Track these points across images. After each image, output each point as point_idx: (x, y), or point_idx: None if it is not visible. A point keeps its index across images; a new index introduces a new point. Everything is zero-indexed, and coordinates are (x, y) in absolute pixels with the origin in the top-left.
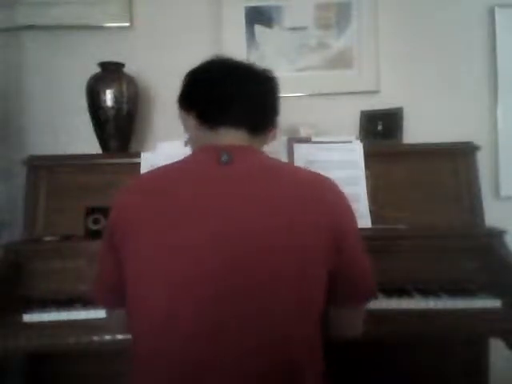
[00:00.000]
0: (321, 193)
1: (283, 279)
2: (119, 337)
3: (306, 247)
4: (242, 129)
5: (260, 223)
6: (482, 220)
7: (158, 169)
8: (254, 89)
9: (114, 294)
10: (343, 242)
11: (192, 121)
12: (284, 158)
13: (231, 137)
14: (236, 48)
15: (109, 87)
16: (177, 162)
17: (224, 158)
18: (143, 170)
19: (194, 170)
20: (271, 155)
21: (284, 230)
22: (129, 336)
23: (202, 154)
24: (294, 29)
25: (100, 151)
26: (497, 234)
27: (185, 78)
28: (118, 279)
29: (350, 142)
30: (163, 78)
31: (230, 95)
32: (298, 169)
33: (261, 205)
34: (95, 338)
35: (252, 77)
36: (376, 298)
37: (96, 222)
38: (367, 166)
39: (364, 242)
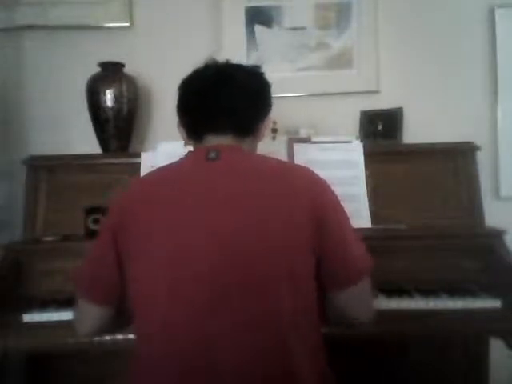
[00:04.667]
0: (301, 186)
1: (272, 275)
2: (119, 337)
3: (291, 244)
4: (228, 134)
5: (244, 223)
6: (482, 220)
7: (153, 173)
8: (238, 97)
9: (103, 288)
10: (326, 227)
11: (184, 134)
12: (284, 158)
13: (218, 141)
14: (236, 48)
15: (109, 87)
16: (173, 165)
17: (211, 155)
18: (143, 170)
19: (185, 170)
20: (271, 155)
21: (268, 228)
22: (128, 336)
23: (191, 155)
24: (293, 29)
25: (100, 151)
26: (497, 234)
27: (177, 90)
28: (113, 272)
29: (350, 142)
30: (163, 77)
31: (212, 109)
32: (281, 163)
33: (248, 203)
34: (95, 338)
35: (236, 83)
36: (371, 268)
37: (96, 221)
38: (367, 166)
39: (364, 242)
